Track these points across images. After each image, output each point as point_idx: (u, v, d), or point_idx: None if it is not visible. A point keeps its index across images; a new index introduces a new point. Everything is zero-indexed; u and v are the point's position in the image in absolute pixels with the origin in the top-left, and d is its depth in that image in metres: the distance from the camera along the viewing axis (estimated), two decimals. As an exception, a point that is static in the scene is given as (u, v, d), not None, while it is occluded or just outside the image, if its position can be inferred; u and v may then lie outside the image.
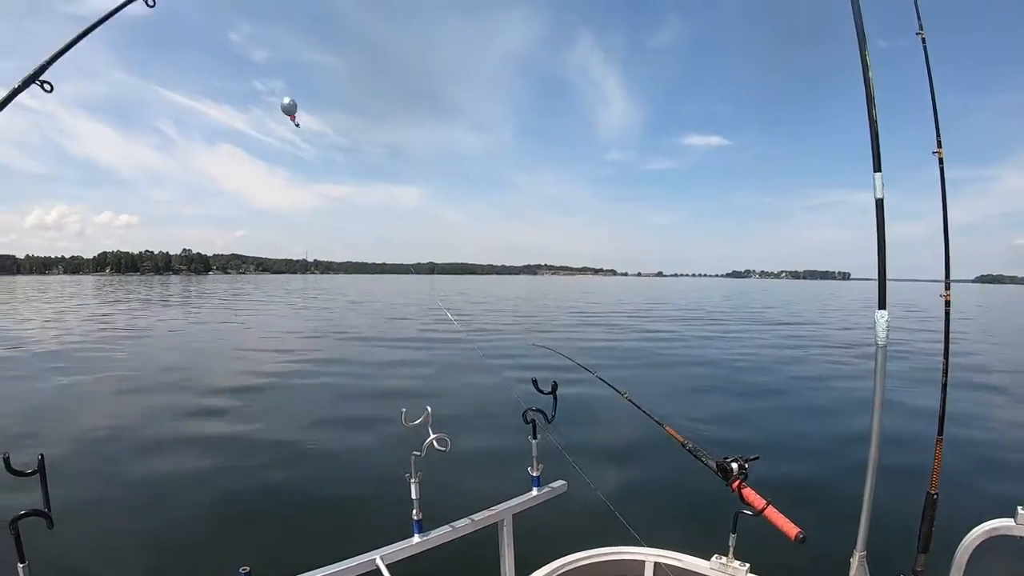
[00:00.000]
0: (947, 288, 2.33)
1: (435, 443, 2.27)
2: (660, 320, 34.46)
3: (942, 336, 2.39)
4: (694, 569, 2.78)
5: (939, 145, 2.36)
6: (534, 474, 2.73)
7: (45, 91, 2.16)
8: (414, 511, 2.30)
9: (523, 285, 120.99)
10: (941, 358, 2.37)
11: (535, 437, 2.67)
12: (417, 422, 2.27)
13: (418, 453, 2.23)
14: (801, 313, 42.91)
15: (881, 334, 2.15)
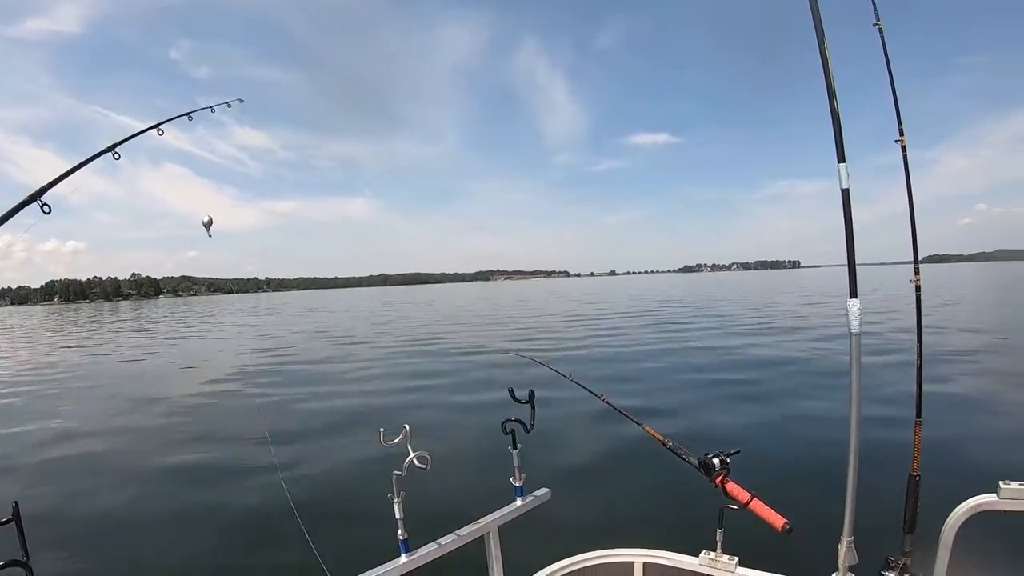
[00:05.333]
0: (916, 273, 2.36)
1: (415, 461, 2.23)
2: (616, 317, 34.97)
3: (914, 320, 2.43)
4: (683, 566, 2.80)
5: (901, 133, 2.40)
6: (517, 484, 2.70)
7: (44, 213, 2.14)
8: (399, 531, 2.27)
9: (477, 292, 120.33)
10: (915, 342, 2.41)
11: (515, 447, 2.64)
12: (396, 441, 2.24)
13: (399, 472, 2.20)
14: (757, 303, 43.42)
15: (854, 323, 2.17)
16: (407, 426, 2.25)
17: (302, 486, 7.35)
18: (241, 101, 4.98)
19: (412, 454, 2.23)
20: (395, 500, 2.24)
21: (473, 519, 2.60)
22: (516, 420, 2.63)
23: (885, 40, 2.43)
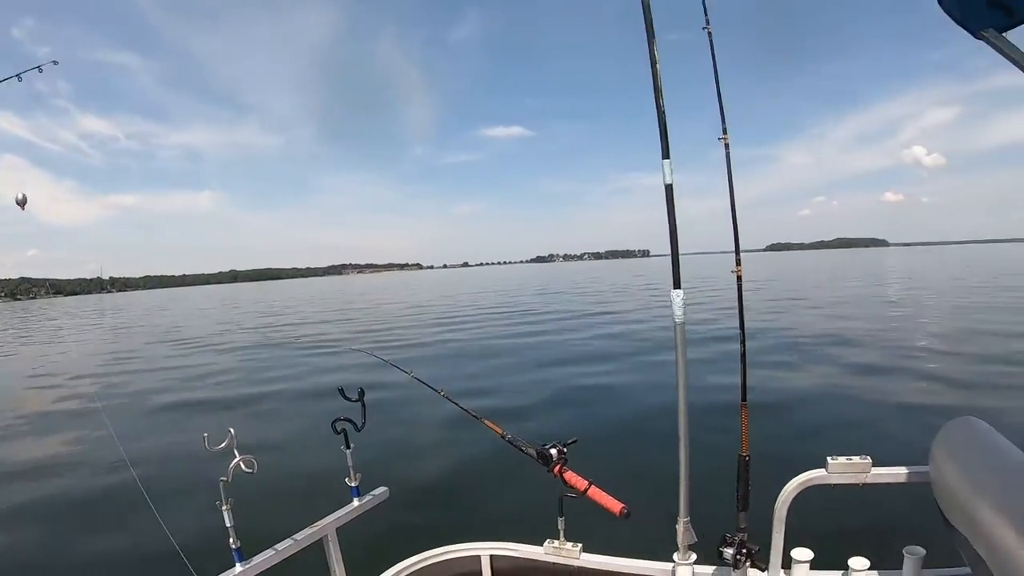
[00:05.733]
0: (738, 264, 2.47)
1: (242, 465, 2.16)
2: (463, 309, 35.31)
3: (736, 308, 2.55)
4: (529, 556, 2.84)
5: (724, 132, 2.49)
6: (352, 484, 2.67)
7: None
8: (231, 540, 2.21)
9: (328, 286, 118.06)
10: (738, 329, 2.53)
11: (348, 446, 2.61)
12: (222, 446, 2.17)
13: (225, 479, 2.13)
14: (601, 291, 44.46)
15: (678, 312, 2.26)
16: (232, 430, 2.18)
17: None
18: (55, 63, 4.69)
19: (238, 457, 2.17)
20: (224, 508, 2.16)
21: (310, 522, 2.56)
22: (346, 419, 2.60)
23: (713, 43, 2.52)
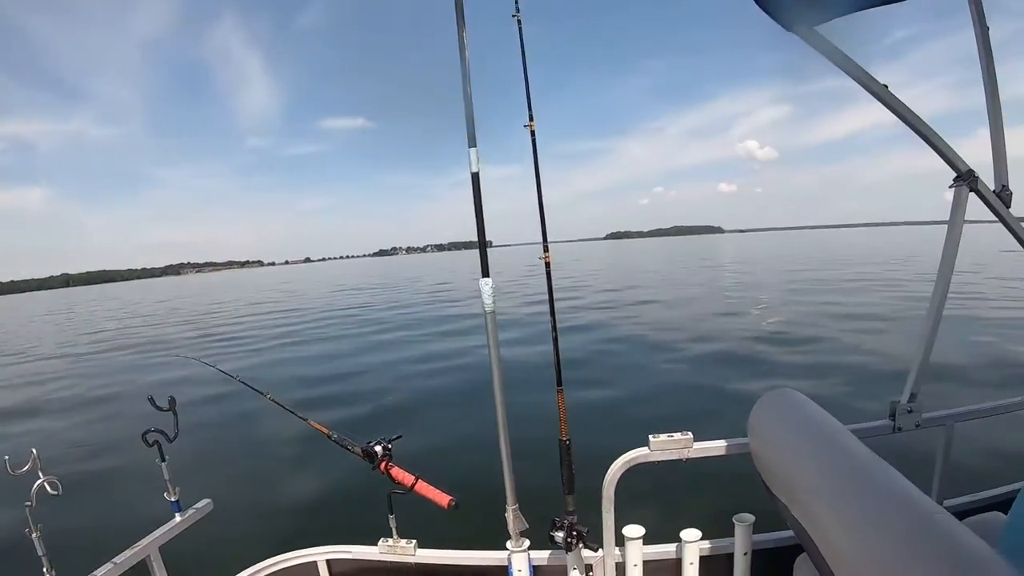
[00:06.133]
0: (545, 251, 2.51)
1: (47, 487, 2.02)
2: (299, 309, 34.75)
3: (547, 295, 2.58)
4: (365, 557, 2.81)
5: (531, 119, 2.51)
6: (172, 499, 2.54)
7: None
8: (44, 569, 2.06)
9: (166, 288, 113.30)
10: (548, 316, 2.56)
11: (163, 459, 2.48)
12: (25, 468, 2.03)
13: (29, 503, 1.99)
14: (436, 285, 44.65)
15: (488, 301, 2.27)
16: (35, 450, 2.03)
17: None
18: None
19: (42, 478, 2.02)
20: (33, 535, 2.03)
21: (131, 543, 2.42)
22: (157, 430, 2.46)
23: (523, 31, 2.53)
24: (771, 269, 40.21)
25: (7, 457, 2.02)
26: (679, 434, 2.46)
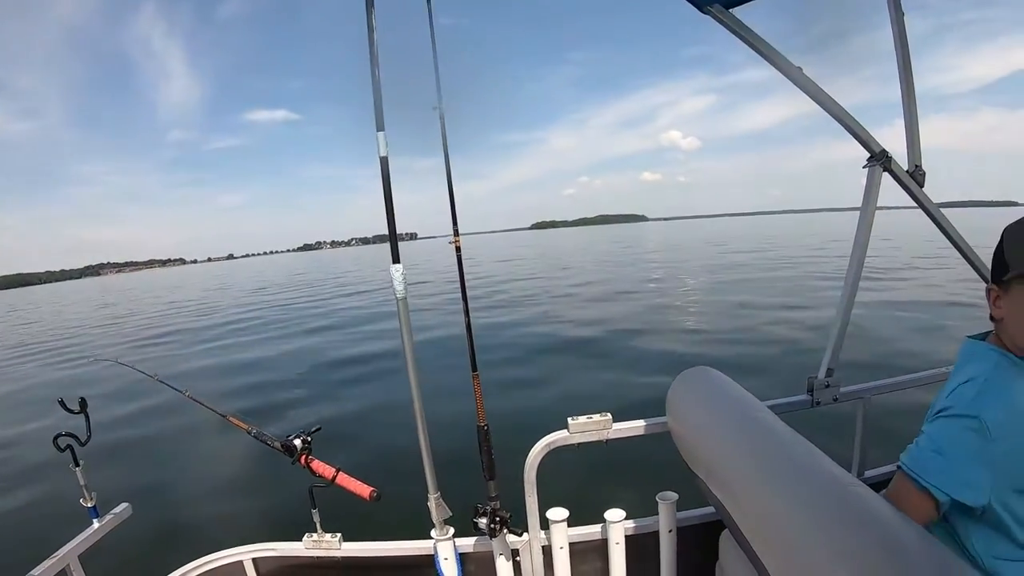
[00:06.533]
0: (456, 235, 2.50)
1: None
2: (215, 307, 34.74)
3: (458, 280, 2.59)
4: (291, 553, 2.80)
5: (439, 101, 2.50)
6: (88, 505, 2.48)
7: None
8: None
9: (84, 290, 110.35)
10: (461, 301, 2.56)
11: (76, 464, 2.41)
12: None
13: None
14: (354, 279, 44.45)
15: (399, 287, 2.25)
16: None
17: None
18: None
19: None
20: None
21: (48, 554, 2.36)
22: (68, 434, 2.39)
23: (432, 11, 2.51)
24: (692, 254, 41.06)
25: None
26: (598, 415, 2.48)
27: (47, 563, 2.32)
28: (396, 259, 2.26)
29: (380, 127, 2.15)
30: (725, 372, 2.30)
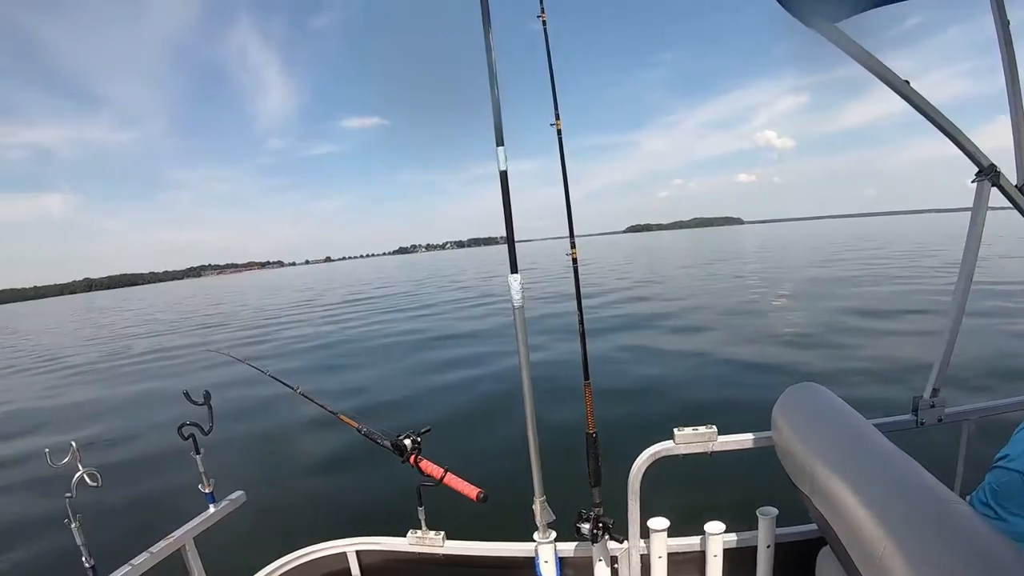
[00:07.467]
0: (572, 247, 2.55)
1: (86, 479, 2.09)
2: (323, 306, 34.80)
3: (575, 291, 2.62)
4: (394, 548, 2.86)
5: (557, 118, 2.55)
6: (206, 491, 2.63)
7: None
8: (84, 558, 2.12)
9: (188, 291, 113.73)
10: (576, 311, 2.60)
11: (198, 452, 2.56)
12: (64, 461, 2.09)
13: (69, 494, 2.05)
14: (461, 279, 44.51)
15: (516, 296, 2.31)
16: (74, 443, 2.10)
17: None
18: None
19: (81, 470, 2.09)
20: (73, 525, 2.09)
21: (166, 533, 2.50)
22: (193, 424, 2.54)
23: (547, 32, 2.57)
24: (797, 259, 39.87)
25: (47, 450, 2.08)
26: (704, 427, 2.50)
27: (164, 542, 2.46)
28: (514, 269, 2.30)
29: (499, 142, 2.20)
30: (831, 388, 2.29)
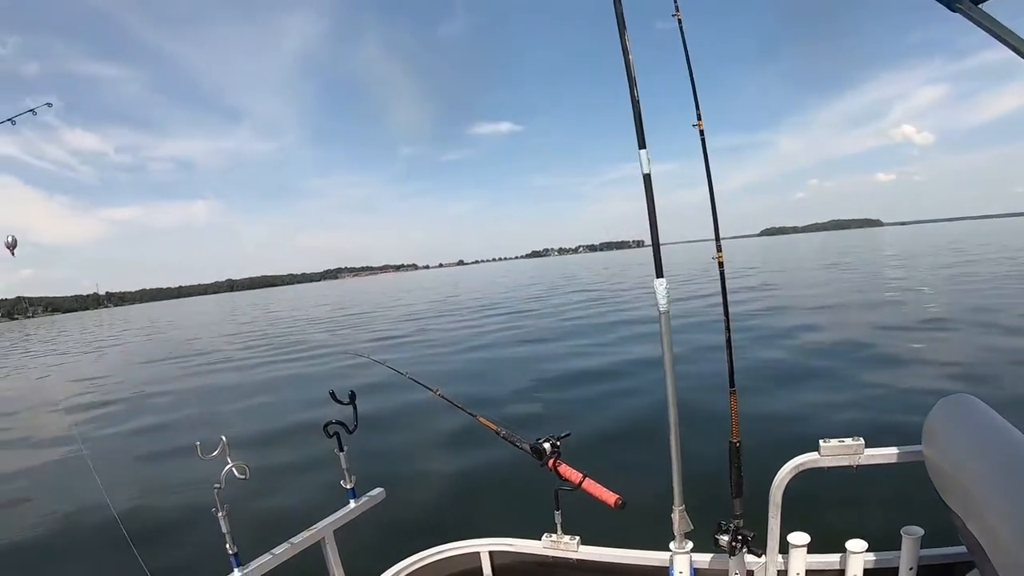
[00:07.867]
0: (719, 250, 2.48)
1: (234, 471, 2.18)
2: (459, 309, 34.73)
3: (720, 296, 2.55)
4: (528, 551, 2.86)
5: (699, 118, 2.50)
6: (348, 486, 2.71)
7: None
8: (228, 545, 2.22)
9: (325, 291, 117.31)
10: (723, 316, 2.53)
11: (341, 449, 2.64)
12: (214, 454, 2.18)
13: (218, 485, 2.15)
14: (594, 285, 44.07)
15: (662, 301, 2.26)
16: (224, 437, 2.19)
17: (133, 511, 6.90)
18: (49, 105, 4.66)
19: (230, 464, 2.18)
20: (219, 514, 2.19)
21: (307, 526, 2.58)
22: (338, 422, 2.63)
23: (684, 30, 2.52)
24: (942, 265, 37.58)
25: (199, 443, 2.19)
26: (850, 439, 2.39)
27: (305, 533, 2.53)
28: (659, 273, 2.26)
29: (642, 144, 2.16)
30: (987, 401, 2.15)
